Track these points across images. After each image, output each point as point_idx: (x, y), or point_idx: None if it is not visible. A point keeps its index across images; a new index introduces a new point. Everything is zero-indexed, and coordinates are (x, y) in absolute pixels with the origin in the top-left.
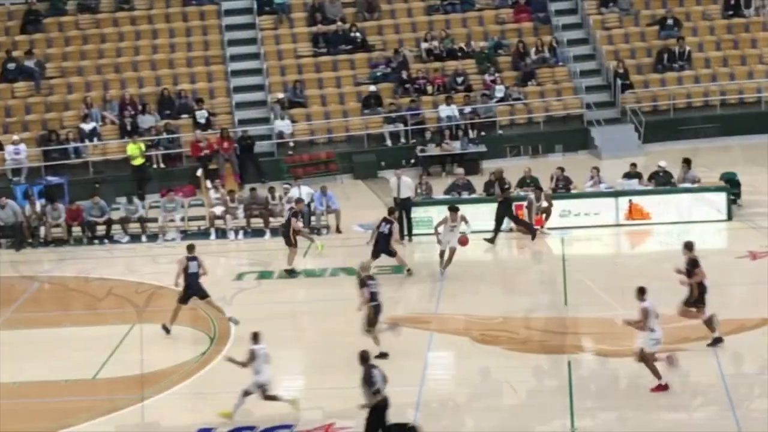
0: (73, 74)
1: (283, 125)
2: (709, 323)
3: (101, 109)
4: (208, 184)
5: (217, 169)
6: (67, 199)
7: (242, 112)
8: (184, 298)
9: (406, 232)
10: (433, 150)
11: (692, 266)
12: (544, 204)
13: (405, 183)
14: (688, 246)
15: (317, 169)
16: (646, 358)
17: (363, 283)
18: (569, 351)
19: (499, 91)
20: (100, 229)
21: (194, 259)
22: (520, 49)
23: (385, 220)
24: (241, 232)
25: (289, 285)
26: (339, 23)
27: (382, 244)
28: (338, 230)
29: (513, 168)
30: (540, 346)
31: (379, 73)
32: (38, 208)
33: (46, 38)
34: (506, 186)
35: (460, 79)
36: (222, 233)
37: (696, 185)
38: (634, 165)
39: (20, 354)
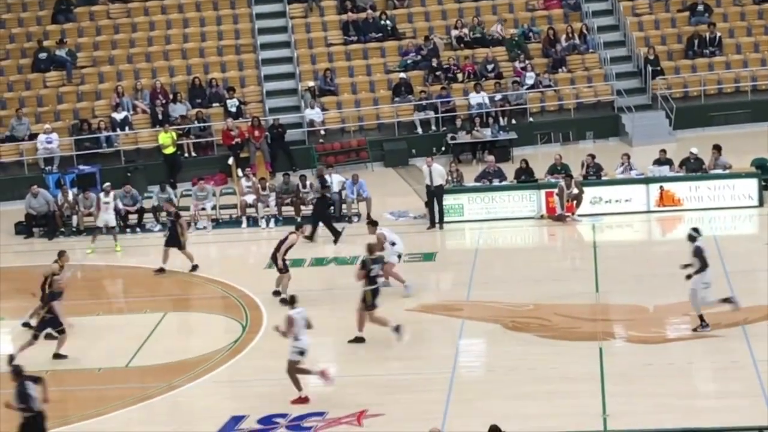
0: (105, 63)
1: (313, 113)
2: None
3: (133, 98)
4: (240, 172)
5: (249, 157)
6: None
7: (273, 100)
8: None
9: (437, 220)
10: (463, 137)
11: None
12: (575, 191)
13: (436, 170)
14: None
15: (348, 157)
16: (290, 368)
17: (364, 265)
18: (600, 337)
19: (530, 78)
20: (132, 218)
21: None
22: (551, 36)
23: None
24: (272, 220)
25: (320, 273)
26: (369, 11)
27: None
28: (369, 218)
29: (543, 155)
30: (571, 332)
31: (409, 61)
32: (70, 197)
33: (78, 28)
34: (327, 184)
35: (490, 67)
36: (253, 221)
37: (727, 171)
38: (664, 151)
39: (53, 342)
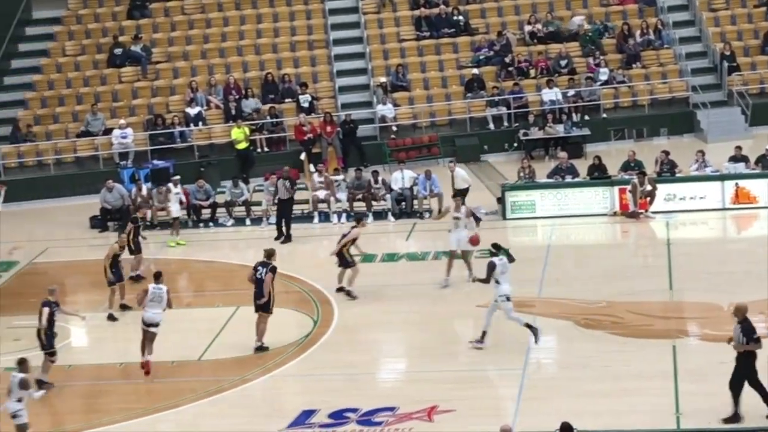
0: (179, 59)
1: (385, 109)
2: None
3: (206, 93)
4: (312, 168)
5: (321, 153)
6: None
7: (345, 96)
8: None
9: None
10: (536, 133)
11: None
12: (648, 188)
13: (459, 175)
14: None
15: (420, 153)
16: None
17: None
18: (674, 335)
19: (604, 73)
20: (205, 213)
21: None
22: (625, 32)
23: (261, 263)
24: (344, 216)
25: (392, 268)
26: (442, 6)
27: (259, 292)
28: (440, 214)
29: (617, 151)
30: (644, 330)
31: (482, 57)
32: (144, 191)
33: (153, 23)
34: (294, 186)
35: (563, 62)
36: (325, 217)
37: None
38: (739, 148)
39: (127, 335)
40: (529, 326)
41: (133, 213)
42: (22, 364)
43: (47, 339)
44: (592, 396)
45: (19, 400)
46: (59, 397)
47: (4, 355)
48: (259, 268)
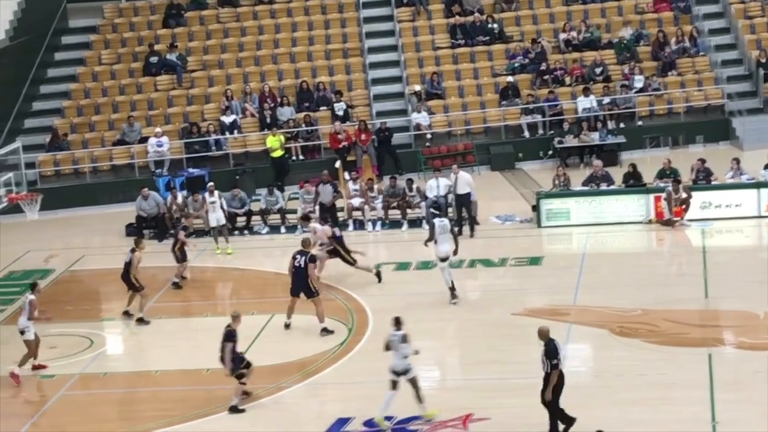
0: (214, 67)
1: (420, 117)
2: None
3: (241, 101)
4: (346, 175)
5: (355, 160)
6: (205, 189)
7: (380, 104)
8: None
9: (468, 227)
10: (571, 141)
11: None
12: (684, 195)
13: (462, 178)
14: None
15: (455, 160)
16: None
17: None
18: (710, 344)
19: (639, 81)
20: (240, 220)
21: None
22: (660, 39)
23: (299, 252)
24: (378, 223)
25: (427, 276)
26: (477, 14)
27: (298, 280)
28: (475, 222)
29: (652, 159)
30: (680, 338)
31: (516, 64)
32: (180, 199)
33: (188, 32)
34: (337, 190)
35: (598, 70)
36: (360, 224)
37: None
38: None
39: (161, 343)
40: (451, 289)
41: (169, 222)
42: (34, 287)
43: None
44: (627, 405)
45: (29, 319)
46: (95, 405)
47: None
48: (297, 256)
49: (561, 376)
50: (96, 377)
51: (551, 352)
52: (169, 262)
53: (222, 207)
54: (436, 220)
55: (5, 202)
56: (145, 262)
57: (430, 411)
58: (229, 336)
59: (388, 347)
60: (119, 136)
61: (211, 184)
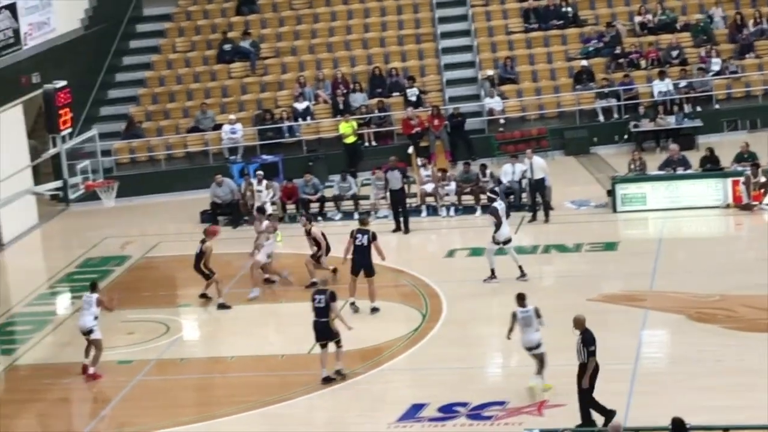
0: (287, 54)
1: (493, 102)
2: None
3: (314, 88)
4: (419, 161)
5: (428, 146)
6: (282, 177)
7: (453, 89)
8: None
9: (542, 213)
10: (646, 125)
11: None
12: (762, 179)
13: (537, 164)
14: None
15: (528, 145)
16: None
17: (352, 234)
18: None
19: (716, 64)
20: (314, 207)
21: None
22: (738, 21)
23: (359, 230)
24: (452, 209)
25: (500, 262)
26: None
27: (360, 258)
28: (550, 207)
29: (730, 143)
30: (759, 324)
31: (591, 48)
32: (254, 186)
33: (261, 19)
34: (406, 175)
35: (674, 53)
36: (433, 210)
37: None
38: None
39: (237, 329)
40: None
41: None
42: (94, 287)
43: None
44: (705, 391)
45: (96, 318)
46: (171, 390)
47: (118, 348)
48: (359, 235)
49: (596, 366)
50: (172, 363)
51: (588, 340)
52: (243, 248)
53: (264, 198)
54: (497, 203)
55: (82, 190)
56: (219, 249)
57: (546, 384)
58: (332, 297)
59: (513, 327)
60: (193, 123)
61: (260, 172)
